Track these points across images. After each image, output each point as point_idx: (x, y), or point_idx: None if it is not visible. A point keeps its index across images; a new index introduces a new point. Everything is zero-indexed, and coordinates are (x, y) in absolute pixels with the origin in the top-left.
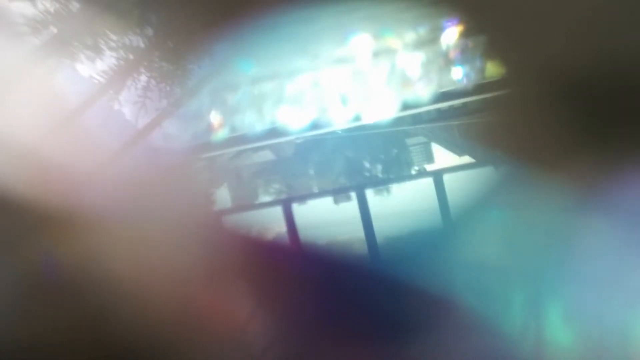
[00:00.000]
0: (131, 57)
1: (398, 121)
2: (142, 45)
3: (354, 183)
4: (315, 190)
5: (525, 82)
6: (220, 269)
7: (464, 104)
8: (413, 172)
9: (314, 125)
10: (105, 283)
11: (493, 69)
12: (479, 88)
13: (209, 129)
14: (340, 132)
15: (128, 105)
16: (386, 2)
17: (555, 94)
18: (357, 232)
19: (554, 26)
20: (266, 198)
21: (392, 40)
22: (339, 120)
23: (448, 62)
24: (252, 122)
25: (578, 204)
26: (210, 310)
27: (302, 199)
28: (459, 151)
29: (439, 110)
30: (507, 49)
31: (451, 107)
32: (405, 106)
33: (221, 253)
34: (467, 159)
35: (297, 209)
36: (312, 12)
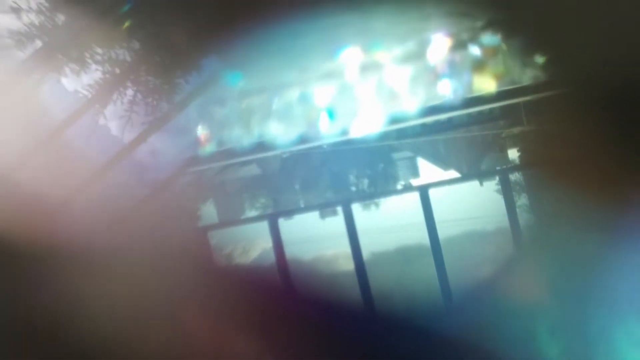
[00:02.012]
0: (117, 70)
1: (385, 135)
2: (128, 58)
3: (340, 197)
4: (302, 204)
5: (574, 86)
6: (207, 306)
7: (450, 118)
8: (400, 187)
9: (301, 140)
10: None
11: (480, 84)
12: (467, 102)
13: (196, 143)
14: (326, 146)
15: (114, 120)
16: (375, 17)
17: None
18: (343, 246)
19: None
20: (252, 213)
21: (380, 54)
22: (326, 135)
23: (436, 76)
24: (239, 136)
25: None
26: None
27: (289, 213)
28: (444, 165)
29: (425, 125)
30: (554, 53)
31: (437, 122)
32: (393, 120)
33: (209, 290)
34: (453, 173)
35: (283, 224)
36: (301, 26)
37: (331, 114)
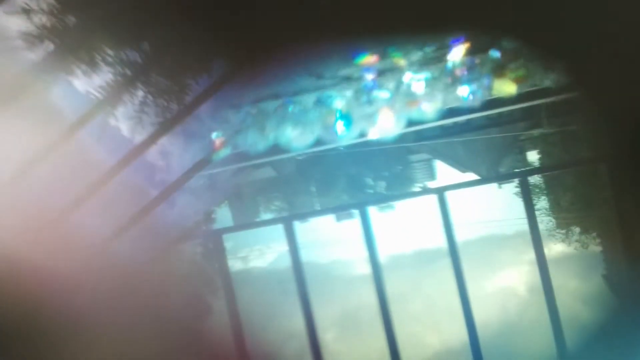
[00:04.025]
0: (128, 72)
1: (402, 137)
2: (139, 60)
3: (356, 200)
4: (317, 207)
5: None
6: None
7: (469, 120)
8: (417, 189)
9: (316, 142)
10: None
11: (500, 86)
12: (486, 104)
13: (211, 146)
14: (342, 148)
15: (125, 121)
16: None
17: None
18: (359, 251)
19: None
20: (267, 215)
21: (398, 59)
22: (343, 137)
23: (455, 80)
24: (254, 139)
25: None
26: None
27: (304, 216)
28: (462, 168)
29: (443, 127)
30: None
31: (456, 124)
32: (411, 122)
33: None
34: (471, 176)
35: (299, 227)
36: (317, 33)
37: (347, 117)
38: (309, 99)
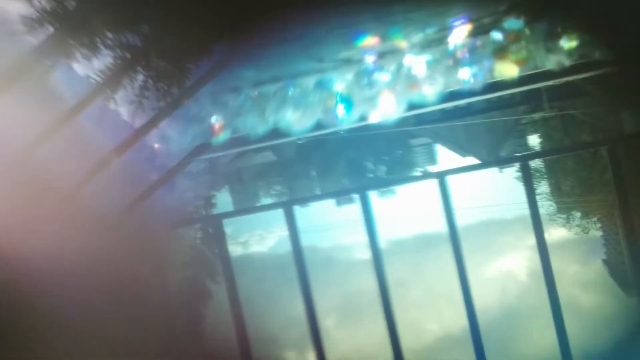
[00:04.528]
0: (128, 55)
1: (403, 122)
2: (139, 43)
3: (357, 184)
4: (318, 192)
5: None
6: None
7: (470, 104)
8: (418, 174)
9: (317, 126)
10: None
11: (502, 69)
12: (487, 87)
13: (210, 130)
14: (343, 132)
15: (125, 105)
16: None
17: None
18: (360, 235)
19: None
20: (267, 200)
21: (399, 41)
22: (343, 121)
23: (456, 62)
24: (254, 122)
25: None
26: None
27: (304, 201)
28: (463, 152)
29: (444, 111)
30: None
31: (457, 108)
32: (411, 106)
33: None
34: (472, 160)
35: (299, 212)
36: (317, 14)
37: (348, 100)
38: (309, 81)
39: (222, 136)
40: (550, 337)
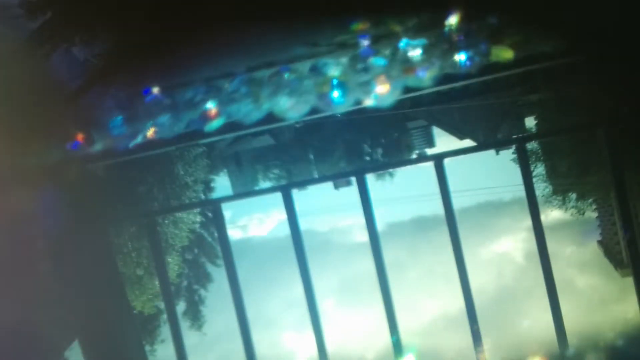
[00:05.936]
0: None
1: (399, 104)
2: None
3: (354, 167)
4: (315, 175)
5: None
6: None
7: (466, 86)
8: (414, 156)
9: (313, 110)
10: None
11: (497, 52)
12: (483, 69)
13: (207, 115)
14: (339, 115)
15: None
16: None
17: None
18: (357, 217)
19: None
20: (266, 184)
21: (394, 25)
22: (338, 104)
23: (452, 46)
24: (249, 107)
25: None
26: None
27: (302, 184)
28: (459, 134)
29: (440, 93)
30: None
31: (452, 90)
32: (407, 89)
33: None
34: (468, 142)
35: (297, 195)
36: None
37: (344, 84)
38: (305, 66)
39: (217, 122)
40: (545, 317)
